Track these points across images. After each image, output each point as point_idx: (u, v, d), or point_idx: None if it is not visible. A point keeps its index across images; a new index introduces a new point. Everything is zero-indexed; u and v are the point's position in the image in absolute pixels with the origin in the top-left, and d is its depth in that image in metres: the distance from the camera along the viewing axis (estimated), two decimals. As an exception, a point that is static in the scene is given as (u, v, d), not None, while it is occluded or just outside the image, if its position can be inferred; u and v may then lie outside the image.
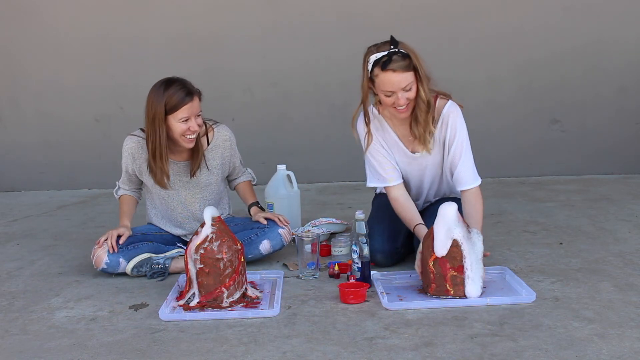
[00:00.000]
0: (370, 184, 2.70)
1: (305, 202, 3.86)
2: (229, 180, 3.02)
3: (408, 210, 2.61)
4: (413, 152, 2.61)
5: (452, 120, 2.52)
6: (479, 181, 2.58)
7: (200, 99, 2.65)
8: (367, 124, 2.57)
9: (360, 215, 2.43)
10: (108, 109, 5.28)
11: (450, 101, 2.55)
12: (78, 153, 5.32)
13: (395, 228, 2.67)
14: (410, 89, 2.38)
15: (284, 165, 3.36)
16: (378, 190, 2.96)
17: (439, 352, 1.81)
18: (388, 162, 2.63)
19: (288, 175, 3.34)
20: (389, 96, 2.39)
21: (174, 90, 2.57)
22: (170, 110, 2.57)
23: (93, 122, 5.31)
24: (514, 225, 3.37)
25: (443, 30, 4.88)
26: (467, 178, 2.56)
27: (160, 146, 2.61)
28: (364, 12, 4.96)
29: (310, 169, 5.05)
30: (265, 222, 2.79)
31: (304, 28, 5.06)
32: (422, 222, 2.57)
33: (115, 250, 2.64)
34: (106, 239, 2.67)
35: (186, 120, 2.59)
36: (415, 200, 2.76)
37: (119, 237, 2.69)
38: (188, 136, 2.63)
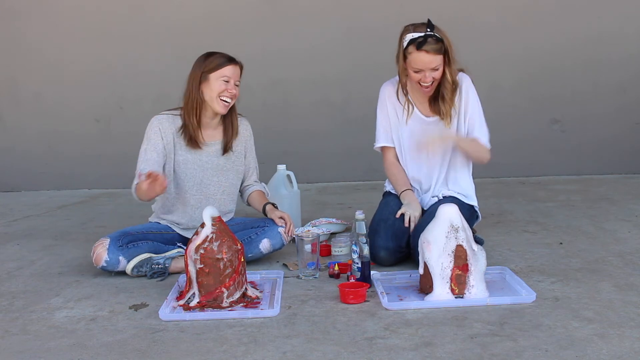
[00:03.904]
0: (378, 144, 2.90)
1: (305, 202, 3.85)
2: (241, 189, 2.99)
3: (402, 174, 2.85)
4: (428, 116, 2.79)
5: (464, 85, 2.75)
6: (488, 147, 2.80)
7: (241, 71, 2.75)
8: (405, 95, 2.78)
9: (360, 215, 2.43)
10: (108, 109, 5.29)
11: (460, 72, 2.78)
12: (78, 153, 5.32)
13: (400, 226, 2.68)
14: (437, 69, 2.63)
15: (284, 165, 3.36)
16: (387, 189, 2.98)
17: (439, 352, 1.81)
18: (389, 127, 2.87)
19: (288, 175, 3.34)
20: (417, 72, 2.63)
21: (217, 56, 2.71)
22: (212, 69, 2.68)
23: (93, 122, 5.32)
24: (514, 225, 3.38)
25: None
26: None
27: (193, 100, 2.68)
28: (364, 14, 4.97)
29: (310, 169, 5.05)
30: (281, 222, 2.79)
31: (305, 28, 5.06)
32: (411, 189, 2.81)
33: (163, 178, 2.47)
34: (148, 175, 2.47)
35: (227, 82, 2.68)
36: (426, 187, 2.83)
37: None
38: (224, 98, 2.69)
